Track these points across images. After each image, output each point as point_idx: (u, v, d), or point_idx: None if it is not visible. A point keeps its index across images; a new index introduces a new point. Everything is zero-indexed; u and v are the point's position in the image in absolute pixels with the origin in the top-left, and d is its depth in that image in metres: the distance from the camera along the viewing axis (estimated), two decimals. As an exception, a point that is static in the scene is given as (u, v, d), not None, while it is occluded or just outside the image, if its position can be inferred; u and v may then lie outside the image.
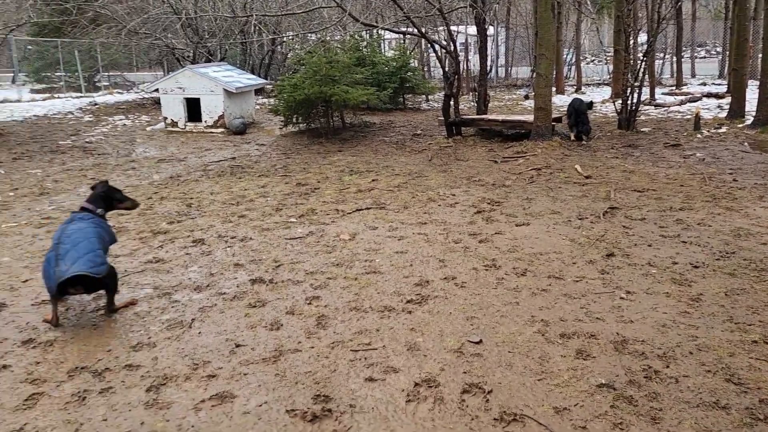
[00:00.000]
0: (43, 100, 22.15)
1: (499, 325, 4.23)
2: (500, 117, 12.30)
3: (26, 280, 5.28)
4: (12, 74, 26.52)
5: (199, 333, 4.23)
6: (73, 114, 18.41)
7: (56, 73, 25.47)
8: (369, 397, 3.41)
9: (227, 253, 5.87)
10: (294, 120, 13.07)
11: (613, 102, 14.08)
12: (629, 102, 12.15)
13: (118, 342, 4.14)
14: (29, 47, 26.15)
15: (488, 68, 13.92)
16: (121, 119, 17.04)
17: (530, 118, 11.26)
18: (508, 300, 4.64)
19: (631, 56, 12.70)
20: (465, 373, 3.63)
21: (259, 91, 19.55)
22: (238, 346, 4.02)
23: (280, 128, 13.69)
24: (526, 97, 19.35)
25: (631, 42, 12.79)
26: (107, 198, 4.96)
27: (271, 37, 20.55)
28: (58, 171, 10.17)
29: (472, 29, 17.54)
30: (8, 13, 15.99)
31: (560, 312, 4.40)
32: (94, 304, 4.77)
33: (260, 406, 3.35)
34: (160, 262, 5.64)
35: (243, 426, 3.18)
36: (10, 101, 20.83)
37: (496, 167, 9.48)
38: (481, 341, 4.00)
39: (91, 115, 18.02)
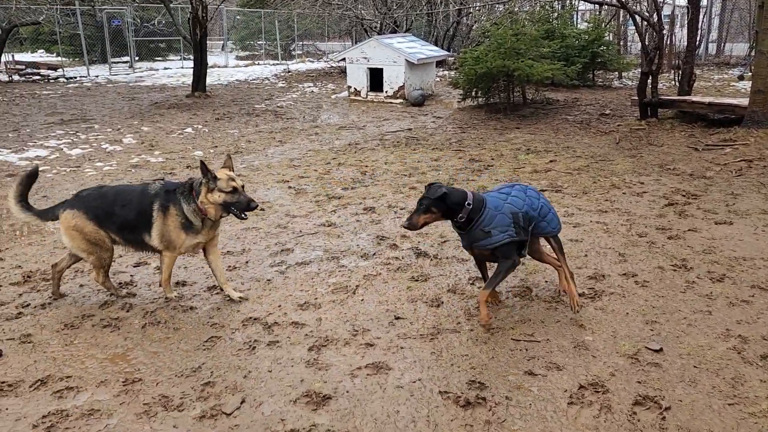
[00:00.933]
0: (246, 66, 24.26)
1: (685, 335, 3.73)
2: (706, 99, 10.93)
3: (216, 231, 5.76)
4: (222, 42, 29.35)
5: (362, 300, 4.29)
6: (268, 80, 19.91)
7: (258, 42, 27.72)
8: (527, 392, 3.19)
9: (395, 224, 5.90)
10: (473, 94, 12.81)
11: None
12: None
13: (288, 299, 4.34)
14: (237, 17, 28.72)
15: (696, 44, 12.40)
16: (309, 86, 18.06)
17: (744, 101, 9.85)
18: (698, 307, 4.08)
19: None
20: (639, 383, 3.25)
21: (440, 63, 19.50)
22: (397, 318, 4.01)
23: (458, 101, 13.53)
24: (741, 78, 17.06)
25: None
26: None
27: (457, 8, 20.32)
28: (251, 132, 11.02)
29: None
30: (222, -14, 17.63)
31: (764, 329, 3.77)
32: (271, 260, 5.07)
33: (414, 382, 3.30)
34: (332, 227, 5.84)
35: (395, 399, 3.15)
36: (219, 66, 23.11)
37: (695, 155, 8.45)
38: (661, 350, 3.56)
39: (284, 82, 19.35)
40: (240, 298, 4.34)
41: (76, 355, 3.68)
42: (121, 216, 4.12)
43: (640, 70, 11.19)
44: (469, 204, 3.71)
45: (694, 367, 3.39)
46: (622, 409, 3.04)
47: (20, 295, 4.51)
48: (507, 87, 12.52)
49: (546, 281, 4.53)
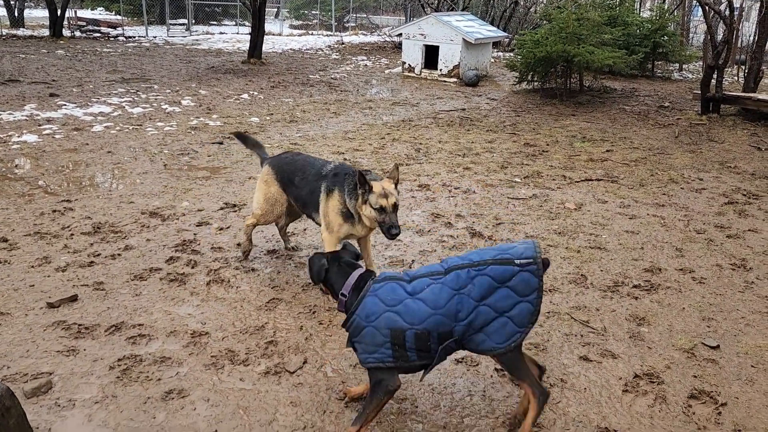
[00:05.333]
0: (299, 35, 24.33)
1: (743, 334, 3.72)
2: (772, 97, 10.57)
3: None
4: (276, 9, 29.46)
5: (418, 274, 4.37)
6: (322, 51, 19.96)
7: (312, 12, 27.74)
8: (582, 377, 3.25)
9: (450, 202, 5.96)
10: (529, 77, 12.63)
11: None
12: None
13: (345, 267, 4.46)
14: (294, -14, 28.73)
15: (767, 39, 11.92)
16: (362, 60, 18.05)
17: (813, 102, 9.51)
18: (756, 308, 4.05)
19: None
20: (695, 377, 3.27)
21: (495, 44, 19.22)
22: (453, 294, 4.08)
23: (513, 84, 13.37)
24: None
25: None
26: None
27: (517, -12, 19.91)
28: (306, 102, 11.14)
29: (753, -8, 15.14)
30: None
31: (826, 336, 3.73)
32: (328, 228, 5.19)
33: (469, 357, 3.38)
34: (388, 200, 5.92)
35: (451, 372, 3.25)
36: (273, 34, 23.26)
37: (758, 155, 8.22)
38: (718, 347, 3.56)
39: (337, 53, 19.37)
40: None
41: (146, 305, 3.87)
42: (297, 188, 4.22)
43: (702, 63, 10.85)
44: (343, 296, 2.82)
45: (752, 366, 3.39)
46: (678, 401, 3.07)
47: (91, 244, 4.75)
48: (565, 72, 12.30)
49: (601, 270, 4.54)
